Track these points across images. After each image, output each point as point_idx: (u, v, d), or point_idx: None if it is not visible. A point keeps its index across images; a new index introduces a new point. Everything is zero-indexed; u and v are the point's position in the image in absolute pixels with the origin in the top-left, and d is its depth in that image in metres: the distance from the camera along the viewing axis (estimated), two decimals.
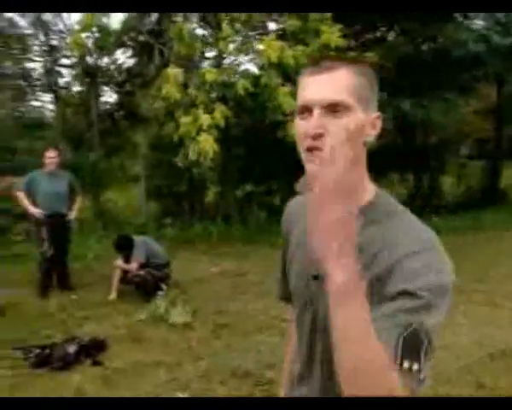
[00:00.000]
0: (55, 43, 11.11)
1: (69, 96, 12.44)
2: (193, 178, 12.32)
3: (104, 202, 12.50)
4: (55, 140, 11.57)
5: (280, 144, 8.58)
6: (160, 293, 5.97)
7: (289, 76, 7.99)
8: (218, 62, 7.95)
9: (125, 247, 6.37)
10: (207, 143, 7.42)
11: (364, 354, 0.90)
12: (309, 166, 1.13)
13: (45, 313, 5.92)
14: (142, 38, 11.81)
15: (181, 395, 3.78)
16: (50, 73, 10.85)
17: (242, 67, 8.29)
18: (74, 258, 8.71)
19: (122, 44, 12.53)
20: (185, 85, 7.67)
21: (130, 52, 12.97)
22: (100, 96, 13.30)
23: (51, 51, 10.88)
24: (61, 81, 12.03)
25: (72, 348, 4.56)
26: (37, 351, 4.57)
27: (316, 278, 1.23)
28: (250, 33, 8.59)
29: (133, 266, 6.28)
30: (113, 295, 6.34)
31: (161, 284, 6.14)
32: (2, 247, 9.21)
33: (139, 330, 5.27)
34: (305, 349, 1.31)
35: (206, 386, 3.98)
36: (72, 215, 6.77)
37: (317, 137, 1.10)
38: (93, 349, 4.67)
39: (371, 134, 1.17)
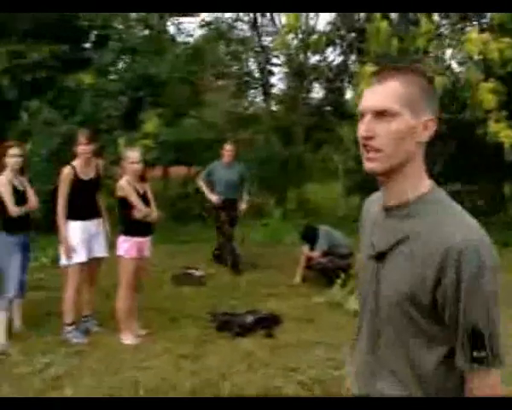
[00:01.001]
0: (266, 43, 12.15)
1: (280, 93, 13.38)
2: None
3: (306, 192, 13.20)
4: (267, 133, 12.57)
5: (479, 143, 8.20)
6: (338, 281, 6.28)
7: (493, 71, 7.59)
8: (415, 60, 7.90)
9: (309, 236, 6.86)
10: None
11: None
12: (365, 164, 1.37)
13: (236, 286, 6.71)
14: (349, 35, 12.21)
15: (336, 374, 4.07)
16: (263, 71, 11.85)
17: (442, 64, 8.08)
18: (274, 241, 9.55)
19: (331, 43, 13.07)
20: None
21: (338, 50, 13.43)
22: (309, 91, 14.00)
23: (263, 51, 11.87)
24: (273, 79, 13.06)
25: (250, 319, 5.17)
26: (223, 317, 5.28)
27: (373, 257, 1.45)
28: (451, 27, 8.35)
29: (316, 253, 6.73)
30: (296, 279, 6.85)
31: (340, 273, 6.43)
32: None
33: (314, 312, 5.69)
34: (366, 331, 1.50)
35: None
36: (244, 202, 7.63)
37: (368, 138, 1.34)
38: (269, 322, 5.21)
39: (424, 135, 1.36)
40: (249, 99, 13.02)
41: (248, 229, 10.42)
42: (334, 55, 13.81)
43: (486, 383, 1.26)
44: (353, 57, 13.36)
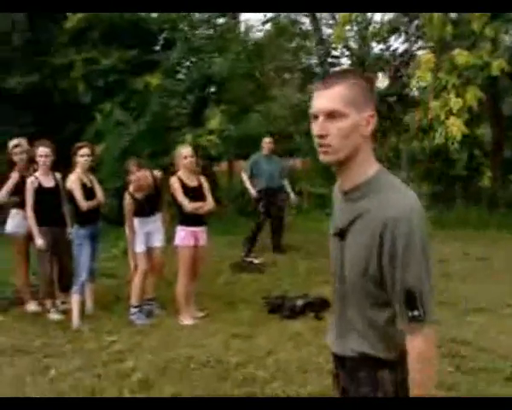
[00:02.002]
0: (325, 37, 12.24)
1: None
2: (471, 161, 12.25)
3: None
4: None
5: None
6: None
7: None
8: (471, 44, 7.82)
9: None
10: (455, 127, 7.45)
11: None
12: (320, 157, 1.63)
13: (293, 273, 7.01)
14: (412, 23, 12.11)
15: None
16: (323, 64, 12.00)
17: (499, 46, 7.92)
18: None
19: (395, 30, 12.99)
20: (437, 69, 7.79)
21: (402, 38, 13.31)
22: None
23: (323, 44, 11.99)
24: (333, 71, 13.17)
25: (300, 302, 5.45)
26: (276, 301, 5.59)
27: (336, 234, 1.70)
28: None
29: None
30: None
31: None
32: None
33: None
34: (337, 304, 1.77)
35: None
36: (291, 193, 8.42)
37: (321, 137, 1.59)
38: (318, 306, 5.46)
39: (367, 129, 1.59)
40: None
41: (313, 218, 10.72)
42: (398, 44, 13.69)
43: (422, 340, 1.49)
44: (418, 44, 13.24)
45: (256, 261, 7.36)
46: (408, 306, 1.48)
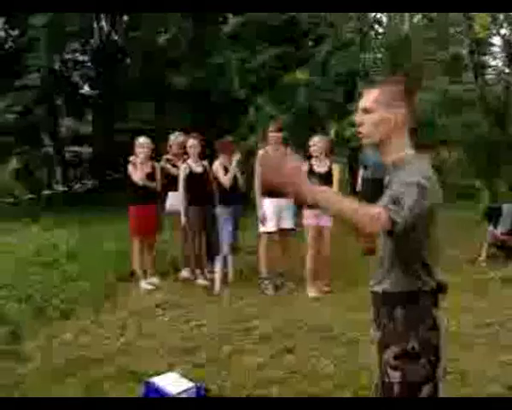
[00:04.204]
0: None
1: (494, 75, 12.93)
2: None
3: None
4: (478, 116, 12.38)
5: None
6: None
7: None
8: None
9: (493, 215, 7.07)
10: None
11: (345, 212, 1.88)
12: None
13: None
14: None
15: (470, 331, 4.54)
16: (472, 54, 11.71)
17: None
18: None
19: None
20: None
21: None
22: None
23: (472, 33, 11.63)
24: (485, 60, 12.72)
25: None
26: None
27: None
28: None
29: (496, 231, 6.92)
30: (482, 256, 7.10)
31: None
32: None
33: (483, 285, 6.04)
34: None
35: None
36: None
37: (358, 125, 2.18)
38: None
39: (396, 123, 2.09)
40: (462, 82, 12.87)
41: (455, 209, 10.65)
42: None
43: (383, 216, 1.81)
44: None
45: None
46: (390, 201, 1.87)
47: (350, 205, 1.85)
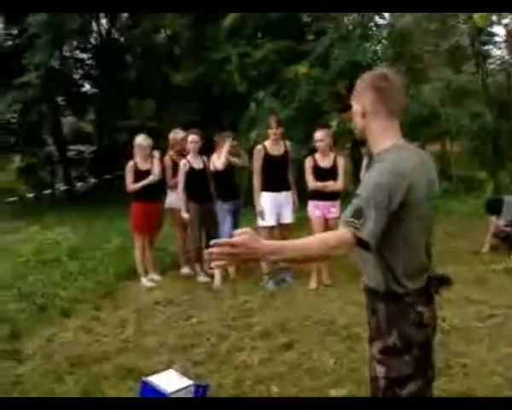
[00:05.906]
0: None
1: (496, 66, 12.82)
2: None
3: None
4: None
5: None
6: None
7: None
8: None
9: (494, 207, 7.01)
10: None
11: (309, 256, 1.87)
12: None
13: None
14: None
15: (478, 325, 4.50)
16: (473, 44, 11.60)
17: None
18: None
19: None
20: None
21: None
22: None
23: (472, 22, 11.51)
24: (486, 50, 12.62)
25: None
26: None
27: None
28: None
29: (499, 222, 6.86)
30: (485, 247, 7.05)
31: None
32: None
33: (487, 276, 5.98)
34: None
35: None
36: None
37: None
38: (438, 282, 5.64)
39: (365, 115, 2.07)
40: (463, 73, 12.80)
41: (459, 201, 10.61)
42: None
43: (346, 236, 1.81)
44: None
45: None
46: (351, 214, 1.84)
47: (312, 242, 1.83)
